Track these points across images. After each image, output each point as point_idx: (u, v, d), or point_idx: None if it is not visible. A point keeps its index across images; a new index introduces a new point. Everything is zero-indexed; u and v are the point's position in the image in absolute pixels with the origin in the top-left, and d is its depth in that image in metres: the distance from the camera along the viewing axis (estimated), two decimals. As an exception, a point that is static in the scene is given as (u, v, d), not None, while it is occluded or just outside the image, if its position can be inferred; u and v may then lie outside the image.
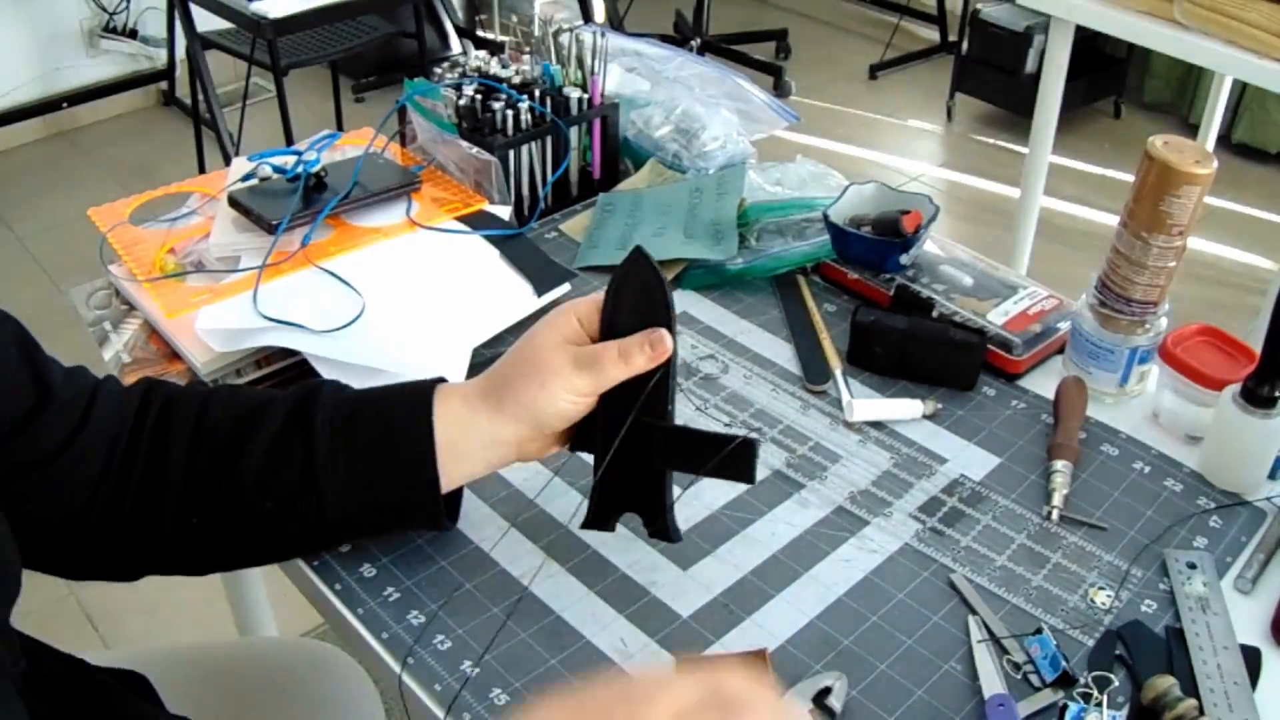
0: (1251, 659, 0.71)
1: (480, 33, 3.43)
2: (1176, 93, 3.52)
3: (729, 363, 0.99)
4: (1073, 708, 0.68)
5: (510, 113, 1.12)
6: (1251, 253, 2.93)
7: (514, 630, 0.74)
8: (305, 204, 1.03)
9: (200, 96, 2.80)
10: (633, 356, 0.70)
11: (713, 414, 0.93)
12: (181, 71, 3.46)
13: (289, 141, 2.44)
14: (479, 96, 1.15)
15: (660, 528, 0.75)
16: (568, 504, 0.83)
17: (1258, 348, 0.82)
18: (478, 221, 1.07)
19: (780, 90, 3.69)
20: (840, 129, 3.52)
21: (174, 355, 0.94)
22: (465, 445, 0.72)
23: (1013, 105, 3.48)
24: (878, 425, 0.92)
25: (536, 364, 0.72)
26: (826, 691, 0.68)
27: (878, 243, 1.03)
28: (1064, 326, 0.98)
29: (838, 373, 0.97)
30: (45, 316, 1.34)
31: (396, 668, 0.72)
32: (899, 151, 3.47)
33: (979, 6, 3.46)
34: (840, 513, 0.84)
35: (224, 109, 2.72)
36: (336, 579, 0.78)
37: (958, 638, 0.74)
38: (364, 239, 1.03)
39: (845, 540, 0.81)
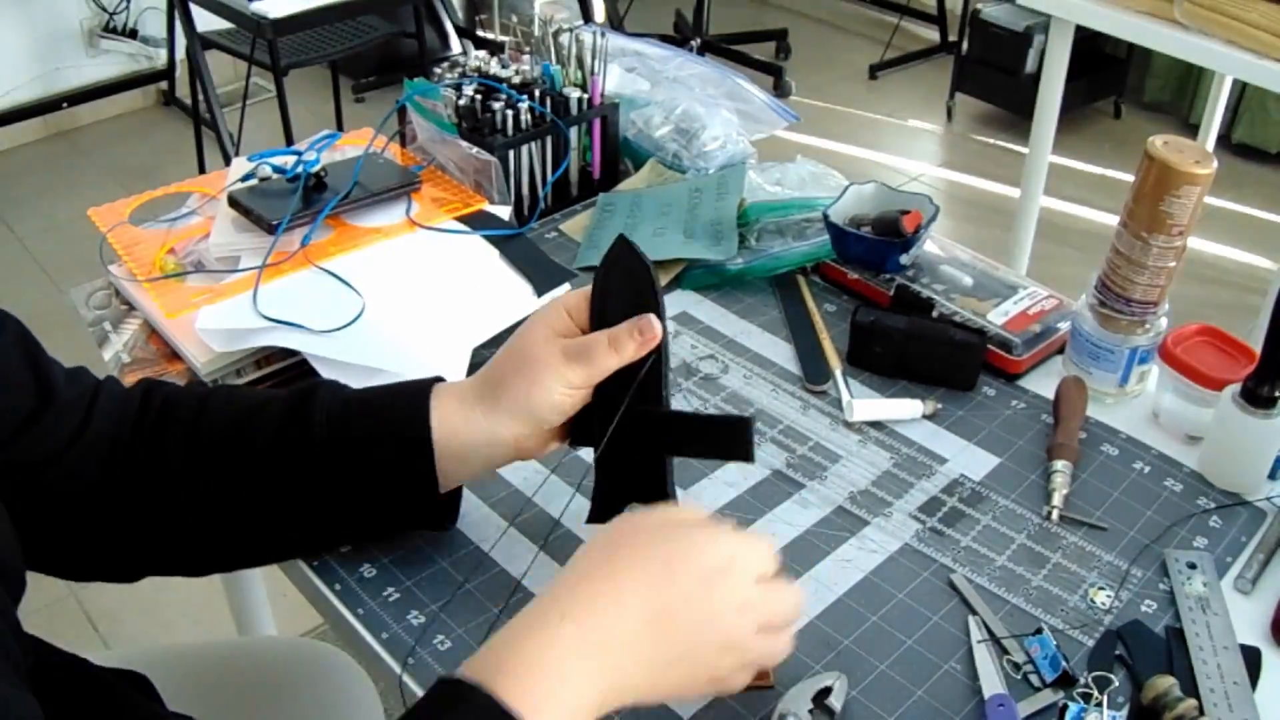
0: (1251, 659, 0.71)
1: (480, 33, 3.43)
2: (1176, 93, 3.52)
3: (729, 363, 0.99)
4: (1073, 708, 0.68)
5: (510, 113, 1.12)
6: (1251, 253, 2.93)
7: (514, 630, 0.74)
8: (305, 204, 1.03)
9: (200, 96, 2.80)
10: (623, 344, 0.71)
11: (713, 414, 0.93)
12: (181, 71, 3.47)
13: (289, 141, 2.44)
14: (479, 96, 1.15)
15: None
16: (566, 503, 0.83)
17: (1258, 348, 0.82)
18: (477, 221, 1.07)
19: (780, 90, 3.69)
20: (840, 129, 3.52)
21: (174, 355, 0.94)
22: (463, 444, 0.72)
23: (1013, 105, 3.48)
24: (878, 425, 0.92)
25: (529, 359, 0.72)
26: (826, 691, 0.68)
27: (878, 243, 1.03)
28: (1064, 326, 0.98)
29: (838, 373, 0.97)
30: (45, 316, 1.34)
31: (397, 668, 0.72)
32: (899, 151, 3.47)
33: (979, 6, 3.47)
34: (840, 513, 0.84)
35: (224, 109, 2.72)
36: (336, 579, 0.78)
37: (958, 638, 0.74)
38: (364, 239, 1.03)
39: (845, 540, 0.81)
